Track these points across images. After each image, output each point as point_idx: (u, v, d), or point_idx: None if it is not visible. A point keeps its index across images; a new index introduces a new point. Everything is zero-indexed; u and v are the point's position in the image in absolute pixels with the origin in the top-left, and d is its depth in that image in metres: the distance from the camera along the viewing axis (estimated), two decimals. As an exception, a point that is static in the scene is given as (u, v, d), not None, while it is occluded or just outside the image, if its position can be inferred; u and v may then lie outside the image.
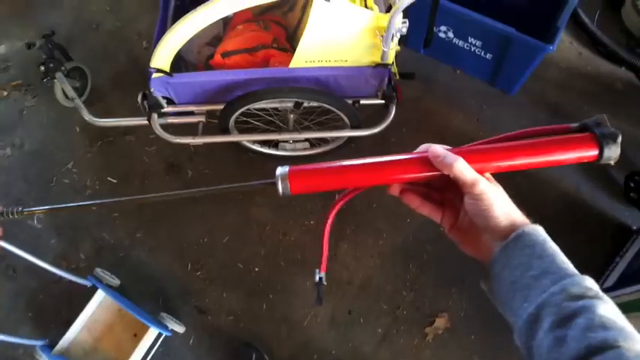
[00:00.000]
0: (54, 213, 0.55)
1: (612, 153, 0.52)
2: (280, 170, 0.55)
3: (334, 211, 0.60)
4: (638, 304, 1.37)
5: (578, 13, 2.28)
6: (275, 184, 0.54)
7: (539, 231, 0.50)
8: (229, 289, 1.77)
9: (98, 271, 1.72)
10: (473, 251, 0.55)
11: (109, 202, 0.60)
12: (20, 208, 0.61)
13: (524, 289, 0.46)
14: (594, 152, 0.52)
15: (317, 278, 0.64)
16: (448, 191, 0.58)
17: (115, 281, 1.75)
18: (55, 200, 1.96)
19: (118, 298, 1.62)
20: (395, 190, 0.58)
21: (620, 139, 0.52)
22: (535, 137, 0.55)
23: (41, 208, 0.62)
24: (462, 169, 0.50)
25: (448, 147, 0.55)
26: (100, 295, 1.64)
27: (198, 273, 1.80)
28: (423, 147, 0.55)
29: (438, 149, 0.52)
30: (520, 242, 0.48)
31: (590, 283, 0.45)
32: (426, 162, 0.53)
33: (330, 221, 0.60)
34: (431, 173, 0.53)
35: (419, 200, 0.57)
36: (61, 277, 1.54)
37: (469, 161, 0.51)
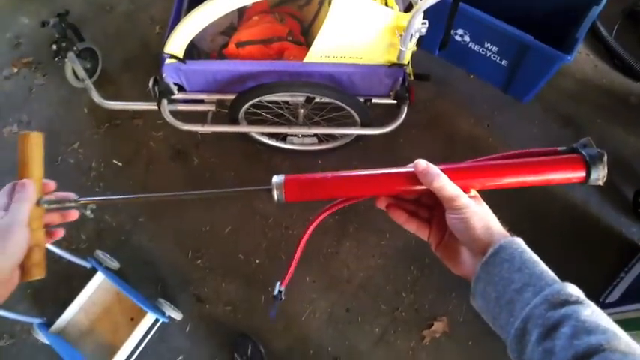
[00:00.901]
0: (106, 205, 0.55)
1: (599, 174, 0.54)
2: (276, 179, 0.57)
3: (315, 224, 0.62)
4: (640, 322, 1.36)
5: (597, 25, 2.26)
6: (270, 192, 0.57)
7: (518, 243, 0.50)
8: (228, 279, 1.76)
9: (98, 253, 1.72)
10: (458, 269, 0.56)
11: (159, 196, 0.62)
12: (75, 199, 0.61)
13: (509, 304, 0.46)
14: (582, 174, 0.54)
15: (275, 291, 0.66)
16: (436, 209, 0.59)
17: (115, 264, 1.75)
18: (59, 179, 1.94)
19: (117, 281, 1.61)
20: (382, 204, 0.60)
21: (605, 159, 0.53)
22: (524, 158, 0.57)
23: (95, 198, 0.62)
24: (444, 184, 0.52)
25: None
26: (99, 277, 1.64)
27: (199, 261, 1.80)
28: (417, 162, 0.56)
29: (423, 163, 0.54)
30: (499, 257, 0.49)
31: (571, 289, 0.45)
32: (414, 177, 0.55)
33: (308, 233, 0.62)
34: (417, 188, 0.55)
35: (405, 216, 0.59)
36: (61, 257, 1.54)
37: (454, 177, 0.53)
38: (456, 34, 2.03)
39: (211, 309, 1.73)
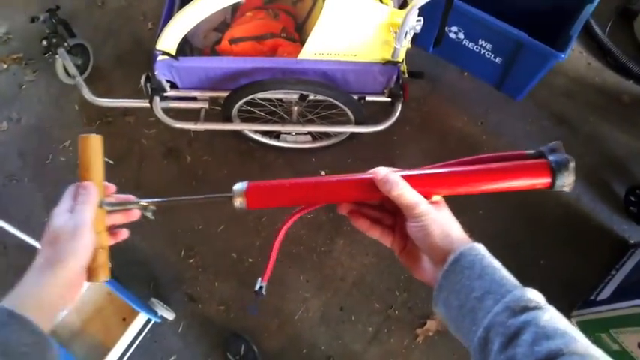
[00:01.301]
0: (164, 206, 0.55)
1: (565, 181, 0.53)
2: (238, 186, 0.57)
3: (286, 227, 0.62)
4: (632, 320, 1.37)
5: (591, 23, 2.27)
6: (232, 199, 0.57)
7: (477, 249, 0.50)
8: (222, 279, 1.75)
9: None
10: (420, 275, 0.56)
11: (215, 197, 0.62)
12: (137, 200, 0.62)
13: (471, 313, 0.46)
14: (547, 180, 0.53)
15: (257, 286, 0.65)
16: (399, 215, 0.58)
17: (107, 264, 1.73)
18: (51, 177, 1.93)
19: (108, 281, 1.59)
20: (344, 210, 0.60)
21: (572, 165, 0.52)
22: (489, 163, 0.56)
23: (155, 200, 0.63)
24: (403, 192, 0.52)
25: (398, 170, 0.56)
26: (90, 276, 1.62)
27: (192, 260, 1.78)
28: (376, 170, 0.56)
29: (382, 171, 0.54)
30: (459, 265, 0.48)
31: (531, 294, 0.45)
32: (374, 184, 0.54)
33: (281, 236, 0.62)
34: (381, 195, 0.54)
35: (368, 223, 0.59)
36: (52, 257, 1.52)
37: (415, 184, 0.53)
38: (450, 31, 2.03)
39: (204, 308, 1.72)
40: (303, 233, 1.82)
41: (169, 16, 1.56)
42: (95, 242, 0.56)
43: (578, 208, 1.87)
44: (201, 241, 1.81)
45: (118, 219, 0.62)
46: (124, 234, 0.63)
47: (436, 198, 0.55)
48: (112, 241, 0.61)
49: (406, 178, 0.54)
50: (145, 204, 0.62)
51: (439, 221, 0.52)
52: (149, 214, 0.62)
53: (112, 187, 0.63)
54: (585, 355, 0.39)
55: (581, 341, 0.41)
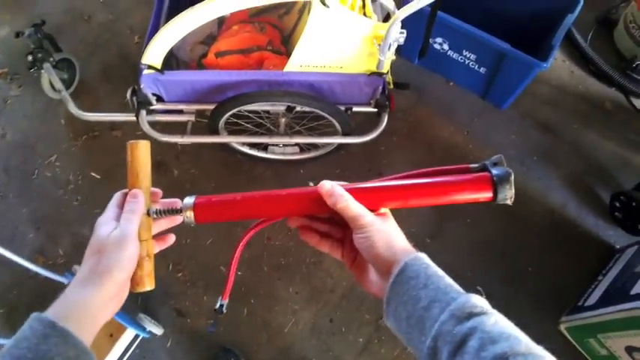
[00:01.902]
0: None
1: (506, 194, 0.54)
2: (186, 200, 0.58)
3: (243, 242, 0.62)
4: (618, 324, 1.38)
5: (572, 32, 2.31)
6: (181, 212, 0.58)
7: (421, 259, 0.50)
8: (210, 293, 1.74)
9: (76, 268, 1.67)
10: (369, 288, 0.56)
11: None
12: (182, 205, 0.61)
13: (419, 323, 0.46)
14: (489, 194, 0.54)
15: (217, 305, 0.66)
16: (348, 228, 0.58)
17: (94, 279, 1.70)
18: (36, 193, 1.91)
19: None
20: (294, 223, 0.60)
21: (512, 178, 0.53)
22: (435, 176, 0.57)
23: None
24: (347, 204, 0.53)
25: (344, 183, 0.57)
26: (76, 293, 1.60)
27: (180, 274, 1.77)
28: (321, 183, 0.57)
29: (327, 185, 0.55)
30: (405, 275, 0.49)
31: (475, 300, 0.46)
32: (321, 197, 0.55)
33: (239, 251, 0.62)
34: (328, 208, 0.55)
35: (317, 238, 0.59)
36: (37, 273, 1.50)
37: (359, 198, 0.54)
38: (434, 42, 2.06)
39: (193, 323, 1.70)
40: (292, 245, 1.81)
41: (155, 29, 1.56)
42: (141, 251, 0.56)
43: (565, 215, 1.89)
44: (189, 255, 1.80)
45: (163, 224, 0.62)
46: (171, 239, 0.63)
47: (383, 210, 0.56)
48: (158, 248, 0.61)
49: (350, 190, 0.55)
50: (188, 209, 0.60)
51: (383, 232, 0.52)
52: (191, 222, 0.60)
53: (159, 193, 0.63)
54: (527, 354, 0.40)
55: (525, 342, 0.42)
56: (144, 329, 1.58)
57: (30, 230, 1.84)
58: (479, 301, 0.45)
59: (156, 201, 0.62)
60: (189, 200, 0.58)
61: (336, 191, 0.54)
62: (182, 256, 1.79)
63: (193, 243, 1.82)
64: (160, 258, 1.78)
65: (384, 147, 2.01)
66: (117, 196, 0.59)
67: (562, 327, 1.61)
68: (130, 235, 0.53)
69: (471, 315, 0.44)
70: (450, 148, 2.04)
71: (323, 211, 0.57)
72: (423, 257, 0.51)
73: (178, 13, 1.33)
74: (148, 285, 0.57)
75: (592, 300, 1.56)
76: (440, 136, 2.08)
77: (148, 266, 0.58)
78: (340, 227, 0.61)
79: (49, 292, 1.65)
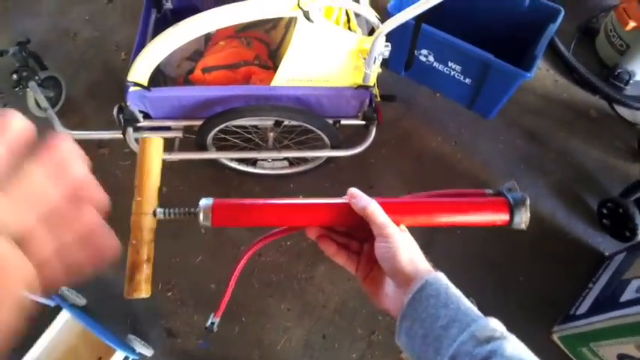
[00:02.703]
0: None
1: (522, 218, 0.56)
2: (204, 202, 0.56)
3: (249, 254, 0.61)
4: (609, 333, 1.38)
5: (555, 41, 2.35)
6: (197, 215, 0.55)
7: (441, 278, 0.50)
8: (201, 311, 1.71)
9: (64, 289, 1.64)
10: (383, 302, 0.56)
11: None
12: (187, 209, 0.58)
13: (436, 342, 0.46)
14: (506, 217, 0.56)
15: (209, 322, 0.65)
16: (366, 243, 0.60)
17: (81, 300, 1.67)
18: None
19: (83, 318, 1.54)
20: (313, 234, 0.59)
21: (528, 202, 0.55)
22: (453, 197, 0.59)
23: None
24: (374, 210, 0.53)
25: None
26: (64, 315, 1.56)
27: (169, 294, 1.74)
28: (350, 189, 0.57)
29: (357, 191, 0.56)
30: (425, 292, 0.49)
31: (494, 324, 0.46)
32: (347, 208, 0.56)
33: (242, 263, 0.61)
34: (350, 219, 0.55)
35: (335, 248, 0.59)
36: (21, 297, 1.46)
37: (386, 210, 0.54)
38: (420, 54, 2.08)
39: (183, 343, 1.66)
40: (283, 261, 1.79)
41: (141, 46, 1.56)
42: (142, 254, 0.52)
43: (554, 223, 1.90)
44: (178, 274, 1.77)
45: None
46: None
47: (402, 228, 0.56)
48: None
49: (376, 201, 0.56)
50: (196, 212, 0.57)
51: (407, 246, 0.53)
52: (205, 223, 0.56)
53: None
54: None
55: None
56: (133, 351, 1.55)
57: (15, 252, 1.80)
58: (498, 326, 0.46)
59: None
60: (207, 202, 0.56)
61: (365, 195, 0.55)
62: (171, 275, 1.77)
63: (182, 261, 1.80)
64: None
65: (373, 159, 2.02)
66: None
67: (555, 337, 1.61)
68: None
69: (491, 338, 0.44)
70: (439, 158, 2.05)
71: (346, 223, 0.57)
72: (443, 277, 0.51)
73: (164, 30, 1.33)
74: (145, 292, 0.52)
75: (583, 308, 1.57)
76: (428, 146, 2.09)
77: (147, 271, 0.53)
78: (357, 241, 0.61)
79: (35, 315, 1.61)
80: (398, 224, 0.55)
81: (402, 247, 0.52)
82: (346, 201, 0.56)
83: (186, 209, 0.57)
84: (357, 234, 0.61)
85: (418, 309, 0.48)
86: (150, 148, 0.56)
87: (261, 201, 0.57)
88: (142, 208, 0.54)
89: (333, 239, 0.60)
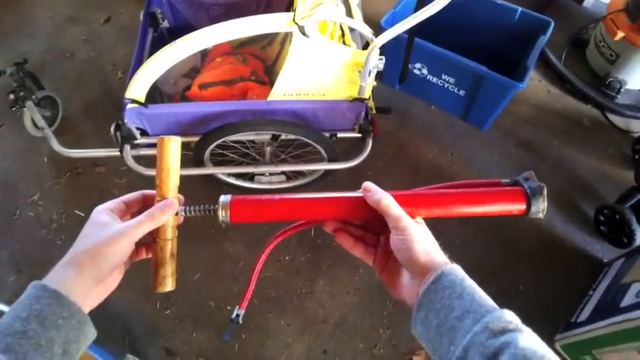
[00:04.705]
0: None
1: (539, 207, 0.56)
2: (222, 199, 0.58)
3: (270, 247, 0.62)
4: (611, 339, 1.37)
5: (546, 52, 2.39)
6: (216, 212, 0.57)
7: (457, 270, 0.51)
8: (200, 329, 1.69)
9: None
10: (399, 292, 0.57)
11: None
12: (211, 206, 0.60)
13: (450, 332, 0.46)
14: (522, 206, 0.57)
15: (234, 314, 0.67)
16: (382, 235, 0.61)
17: (78, 320, 1.65)
18: (18, 234, 1.86)
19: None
20: (329, 227, 0.61)
21: (545, 192, 0.56)
22: (469, 189, 0.59)
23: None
24: (389, 204, 0.54)
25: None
26: (60, 335, 1.54)
27: (168, 311, 1.72)
28: (365, 183, 0.59)
29: (371, 185, 0.57)
30: (440, 283, 0.49)
31: (509, 316, 0.46)
32: (362, 202, 0.57)
33: (265, 254, 0.62)
34: (366, 213, 0.57)
35: (352, 241, 0.60)
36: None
37: (401, 203, 0.55)
38: (414, 67, 2.10)
39: (182, 361, 1.64)
40: (282, 276, 1.78)
41: (139, 64, 1.57)
42: (165, 251, 0.56)
43: (552, 231, 1.90)
44: (176, 291, 1.74)
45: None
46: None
47: (418, 219, 0.57)
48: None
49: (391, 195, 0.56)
50: (214, 208, 0.59)
51: (422, 237, 0.53)
52: (224, 218, 0.58)
53: (181, 199, 0.62)
54: None
55: None
56: (131, 370, 1.52)
57: (11, 273, 1.78)
58: (513, 318, 0.46)
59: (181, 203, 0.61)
60: (225, 199, 0.57)
61: (379, 189, 0.56)
62: (170, 292, 1.74)
63: (180, 278, 1.76)
64: (147, 295, 1.75)
65: (370, 171, 2.03)
66: (136, 194, 0.60)
67: (557, 345, 1.60)
68: (127, 234, 0.53)
69: (505, 330, 0.44)
70: (435, 169, 2.06)
71: (361, 216, 0.58)
72: (459, 269, 0.51)
73: (161, 48, 1.35)
74: (170, 286, 0.57)
75: (584, 315, 1.56)
76: (424, 158, 2.10)
77: (172, 266, 0.57)
78: (373, 234, 0.62)
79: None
80: (413, 216, 0.56)
81: (418, 238, 0.52)
82: (361, 195, 0.57)
83: (207, 206, 0.59)
84: (373, 227, 0.62)
85: (433, 299, 0.49)
86: (169, 147, 0.58)
87: (278, 196, 0.58)
88: None
89: (349, 232, 0.61)
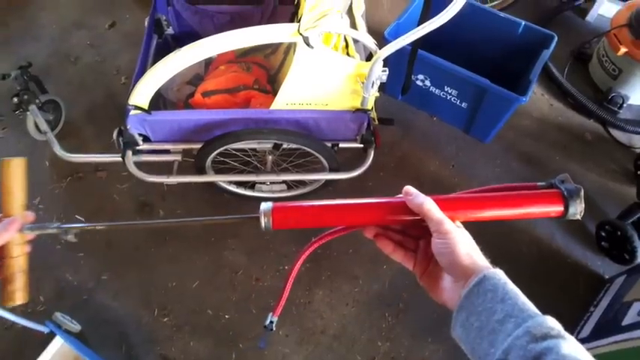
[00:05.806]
0: (86, 230, 0.62)
1: (577, 208, 0.56)
2: (264, 206, 0.58)
3: (309, 251, 0.62)
4: (613, 357, 1.36)
5: (549, 66, 2.39)
6: (258, 219, 0.58)
7: (500, 274, 0.51)
8: (197, 337, 1.68)
9: (58, 315, 1.61)
10: (440, 296, 0.57)
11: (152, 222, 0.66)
12: (57, 224, 0.64)
13: (491, 335, 0.46)
14: (560, 208, 0.57)
15: (267, 321, 0.66)
16: (422, 239, 0.61)
17: (76, 327, 1.64)
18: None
19: (77, 346, 1.51)
20: (370, 233, 0.61)
21: (582, 193, 0.56)
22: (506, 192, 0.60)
23: (76, 225, 0.66)
24: (431, 207, 0.54)
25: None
26: (57, 342, 1.52)
27: (165, 319, 1.71)
28: (405, 187, 0.59)
29: (412, 188, 0.57)
30: (482, 287, 0.49)
31: (552, 322, 0.45)
32: (402, 206, 0.57)
33: (302, 259, 0.62)
34: (406, 217, 0.57)
35: (392, 246, 0.60)
36: (13, 323, 1.43)
37: (440, 207, 0.55)
38: (417, 79, 2.11)
39: (179, 370, 1.63)
40: (280, 285, 1.76)
41: (143, 71, 1.58)
42: (14, 267, 0.58)
43: (553, 246, 1.89)
44: (175, 299, 1.75)
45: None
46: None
47: (458, 224, 0.57)
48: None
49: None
50: (66, 227, 0.64)
51: (464, 241, 0.53)
52: (69, 237, 0.64)
53: (31, 216, 0.64)
54: None
55: None
56: (127, 378, 1.51)
57: (9, 276, 1.77)
58: (555, 324, 0.45)
59: (29, 222, 0.64)
60: (267, 206, 0.58)
61: (420, 193, 0.56)
62: (167, 301, 1.74)
63: (179, 286, 1.77)
64: (145, 302, 1.74)
65: (371, 182, 2.02)
66: None
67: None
68: None
69: (547, 336, 0.43)
70: (437, 181, 2.06)
71: (402, 221, 0.58)
72: (502, 273, 0.51)
73: (165, 55, 1.35)
74: (19, 299, 0.60)
75: (585, 332, 1.55)
76: (426, 170, 2.09)
77: (21, 281, 0.60)
78: (413, 239, 0.62)
79: (28, 343, 1.58)
80: (453, 220, 0.56)
81: (460, 242, 0.53)
82: (401, 199, 0.57)
83: (56, 226, 0.63)
84: (412, 231, 0.62)
85: (475, 302, 0.49)
86: (10, 169, 0.63)
87: (318, 202, 0.58)
88: None
89: (389, 237, 0.61)
